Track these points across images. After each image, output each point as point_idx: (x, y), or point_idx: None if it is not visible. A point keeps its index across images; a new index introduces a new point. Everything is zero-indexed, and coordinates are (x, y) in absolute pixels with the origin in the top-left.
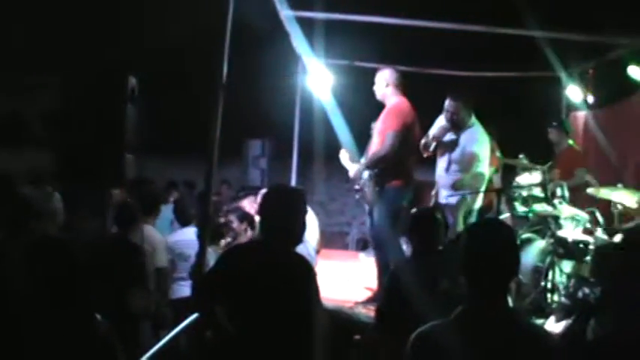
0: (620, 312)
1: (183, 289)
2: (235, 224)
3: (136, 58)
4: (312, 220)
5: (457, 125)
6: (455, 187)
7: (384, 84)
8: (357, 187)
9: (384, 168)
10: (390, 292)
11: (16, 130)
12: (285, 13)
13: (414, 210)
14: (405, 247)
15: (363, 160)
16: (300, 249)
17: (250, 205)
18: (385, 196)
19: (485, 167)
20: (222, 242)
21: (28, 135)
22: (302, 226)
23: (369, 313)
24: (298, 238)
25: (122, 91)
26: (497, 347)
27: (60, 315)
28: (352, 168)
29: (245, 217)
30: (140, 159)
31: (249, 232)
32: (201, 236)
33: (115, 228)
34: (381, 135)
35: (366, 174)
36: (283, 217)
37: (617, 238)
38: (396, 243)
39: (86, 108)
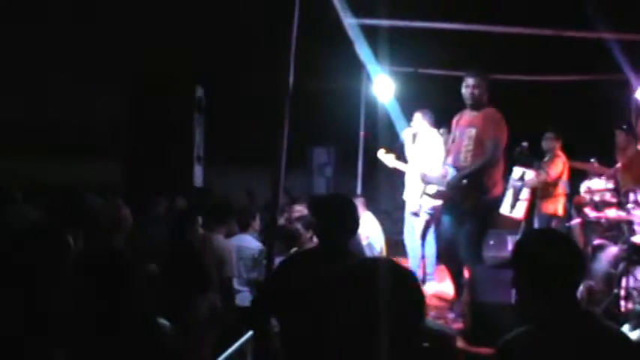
0: None
1: (245, 295)
2: (301, 231)
3: (201, 68)
4: (377, 229)
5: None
6: None
7: (486, 89)
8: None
9: (484, 176)
10: None
11: (86, 141)
12: (349, 21)
13: None
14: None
15: (447, 167)
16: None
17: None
18: (484, 205)
19: None
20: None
21: (97, 145)
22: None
23: (437, 321)
24: (352, 232)
25: (190, 100)
26: (583, 351)
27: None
28: (404, 167)
29: (310, 225)
30: (205, 168)
31: (315, 240)
32: (270, 244)
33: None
34: (480, 140)
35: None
36: (336, 217)
37: None
38: (481, 253)
39: (155, 118)
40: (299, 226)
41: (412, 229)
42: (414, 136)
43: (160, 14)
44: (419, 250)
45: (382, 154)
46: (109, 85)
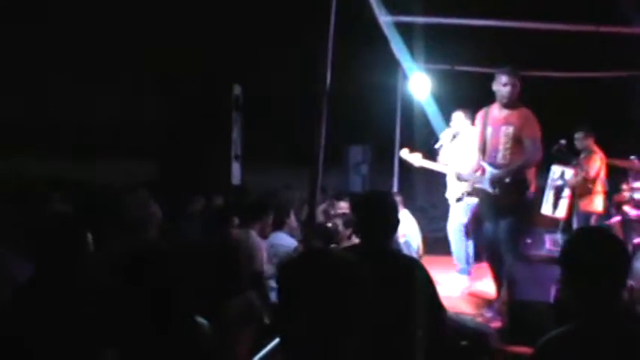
0: None
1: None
2: (340, 229)
3: (238, 67)
4: (414, 226)
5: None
6: None
7: (519, 88)
8: (493, 191)
9: (524, 175)
10: None
11: (123, 139)
12: (384, 19)
13: None
14: None
15: (486, 165)
16: (405, 253)
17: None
18: (524, 202)
19: None
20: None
21: (134, 144)
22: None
23: (475, 318)
24: (393, 229)
25: (228, 99)
26: (623, 350)
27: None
28: (432, 165)
29: (350, 223)
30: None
31: (354, 238)
32: (307, 242)
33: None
34: (518, 138)
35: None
36: (376, 215)
37: None
38: (519, 250)
39: (192, 116)
40: (338, 222)
41: (460, 225)
42: (454, 135)
43: (198, 13)
44: (464, 247)
45: (406, 154)
46: (145, 84)
